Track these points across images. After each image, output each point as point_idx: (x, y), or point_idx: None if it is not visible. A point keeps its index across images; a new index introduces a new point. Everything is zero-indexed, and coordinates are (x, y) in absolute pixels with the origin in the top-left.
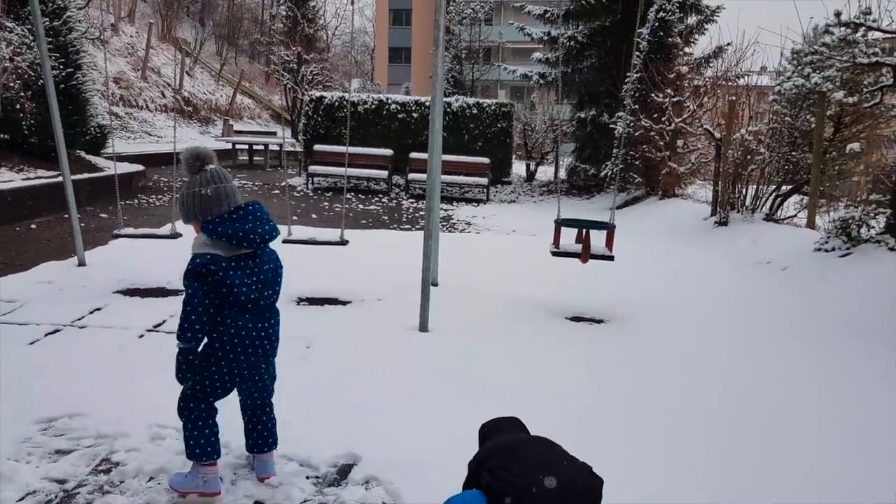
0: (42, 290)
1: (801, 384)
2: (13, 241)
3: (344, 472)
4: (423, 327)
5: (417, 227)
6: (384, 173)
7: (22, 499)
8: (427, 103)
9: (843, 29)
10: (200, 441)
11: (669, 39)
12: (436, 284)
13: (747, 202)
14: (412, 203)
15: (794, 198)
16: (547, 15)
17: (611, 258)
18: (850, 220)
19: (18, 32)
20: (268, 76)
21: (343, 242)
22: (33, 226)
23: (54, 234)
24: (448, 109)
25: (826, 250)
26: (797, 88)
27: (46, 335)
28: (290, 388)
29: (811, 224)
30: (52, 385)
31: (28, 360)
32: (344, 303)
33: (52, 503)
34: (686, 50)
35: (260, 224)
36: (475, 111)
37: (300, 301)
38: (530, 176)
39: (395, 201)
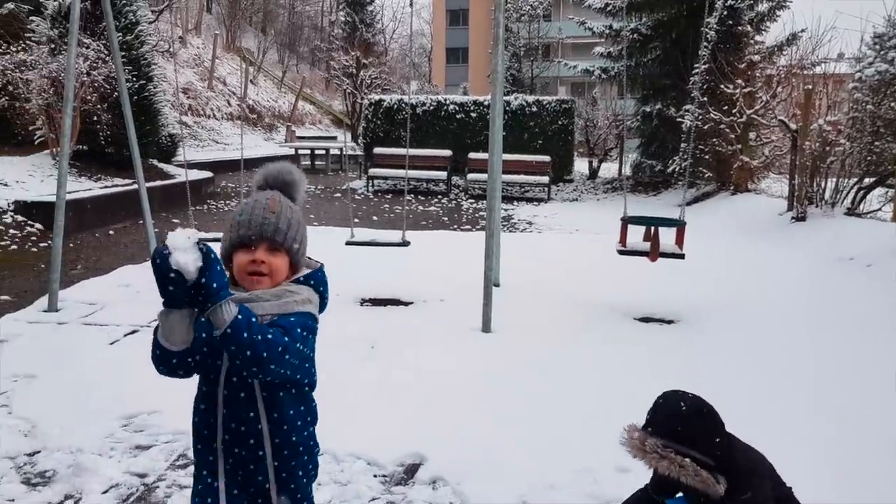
0: (121, 292)
1: None
2: (93, 246)
3: (411, 471)
4: (486, 328)
5: (478, 227)
6: (443, 174)
7: (106, 491)
8: (485, 103)
9: None
10: None
11: (739, 28)
12: (498, 285)
13: (826, 196)
14: (472, 203)
15: (878, 191)
16: (608, 8)
17: (681, 256)
18: None
19: (94, 48)
20: (328, 82)
21: (405, 244)
22: (111, 232)
23: (131, 240)
24: (507, 108)
25: None
26: (880, 74)
27: (125, 335)
28: (355, 388)
29: None
30: (132, 383)
31: (109, 359)
32: (406, 303)
33: (134, 496)
34: (757, 38)
35: None
36: (535, 109)
37: (363, 302)
38: (593, 173)
39: (454, 202)
